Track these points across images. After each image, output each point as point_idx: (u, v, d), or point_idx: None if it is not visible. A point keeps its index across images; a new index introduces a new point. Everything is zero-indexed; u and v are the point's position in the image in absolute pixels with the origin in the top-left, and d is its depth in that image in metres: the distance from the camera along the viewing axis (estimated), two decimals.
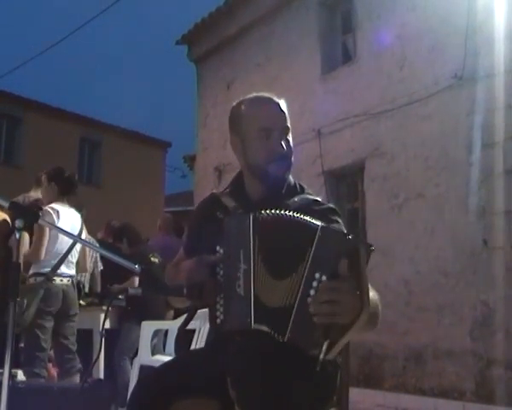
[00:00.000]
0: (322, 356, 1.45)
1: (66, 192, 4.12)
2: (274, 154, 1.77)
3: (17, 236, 1.91)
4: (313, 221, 1.54)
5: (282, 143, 1.79)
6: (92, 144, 18.30)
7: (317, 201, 1.83)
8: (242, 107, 1.86)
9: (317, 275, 1.46)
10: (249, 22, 9.14)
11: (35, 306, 3.83)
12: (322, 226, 1.51)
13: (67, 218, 4.03)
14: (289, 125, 1.83)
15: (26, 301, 3.78)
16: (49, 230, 3.86)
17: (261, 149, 1.78)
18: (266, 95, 1.87)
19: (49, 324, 3.94)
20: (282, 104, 1.84)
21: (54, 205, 4.00)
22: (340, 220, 1.77)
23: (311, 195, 1.86)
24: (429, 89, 6.49)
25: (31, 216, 1.98)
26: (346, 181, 7.93)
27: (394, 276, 6.61)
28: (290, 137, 1.84)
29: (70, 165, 16.43)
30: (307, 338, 1.47)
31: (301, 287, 1.48)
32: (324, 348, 1.44)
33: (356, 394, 6.10)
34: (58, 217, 3.94)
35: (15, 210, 1.94)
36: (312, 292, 1.46)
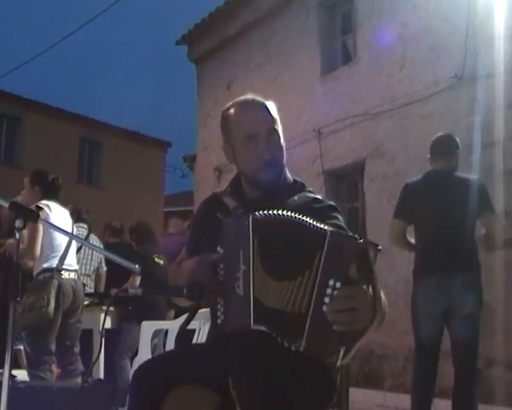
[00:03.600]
0: (339, 363, 1.44)
1: (49, 196, 3.97)
2: (262, 161, 1.75)
3: (17, 236, 1.91)
4: (321, 226, 1.51)
5: (270, 147, 1.76)
6: (92, 144, 18.30)
7: (316, 199, 1.82)
8: (229, 113, 1.83)
9: (331, 282, 1.44)
10: (249, 22, 9.13)
11: (53, 300, 3.78)
12: (331, 232, 1.49)
13: (58, 212, 3.96)
14: (276, 126, 1.80)
15: (45, 298, 3.73)
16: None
17: (249, 157, 1.77)
18: (251, 98, 1.84)
19: (59, 323, 3.89)
20: (269, 105, 1.81)
21: (42, 201, 3.89)
22: (339, 217, 1.77)
23: (311, 192, 1.85)
24: (429, 89, 6.49)
25: (31, 216, 1.98)
26: (346, 181, 7.93)
27: (394, 276, 6.60)
28: (280, 138, 1.80)
29: (70, 165, 16.61)
30: (324, 346, 1.45)
31: (314, 294, 1.45)
32: (341, 355, 1.44)
33: (356, 394, 6.09)
34: (50, 210, 3.85)
35: (15, 210, 1.94)
36: (327, 300, 1.44)
